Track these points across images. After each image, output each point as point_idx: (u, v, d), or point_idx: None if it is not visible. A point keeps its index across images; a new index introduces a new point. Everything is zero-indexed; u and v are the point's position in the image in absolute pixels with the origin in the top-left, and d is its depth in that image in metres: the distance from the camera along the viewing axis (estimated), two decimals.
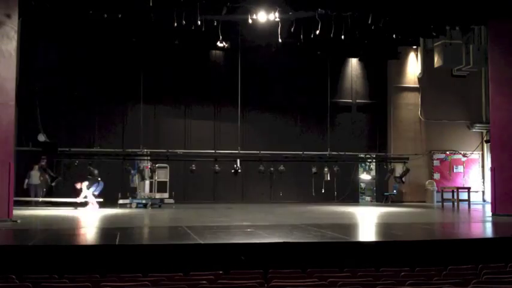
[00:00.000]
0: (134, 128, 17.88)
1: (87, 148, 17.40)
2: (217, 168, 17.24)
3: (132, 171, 17.12)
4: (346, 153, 18.81)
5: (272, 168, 17.75)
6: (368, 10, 14.36)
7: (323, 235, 9.37)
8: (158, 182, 16.92)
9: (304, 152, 18.40)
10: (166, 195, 17.00)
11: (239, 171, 17.38)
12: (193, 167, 17.22)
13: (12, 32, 11.95)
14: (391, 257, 7.85)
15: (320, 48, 17.38)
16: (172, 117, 19.43)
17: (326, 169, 18.08)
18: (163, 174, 17.02)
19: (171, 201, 17.06)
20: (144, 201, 16.44)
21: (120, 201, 16.29)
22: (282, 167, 17.78)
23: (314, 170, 17.99)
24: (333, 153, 18.58)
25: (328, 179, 18.18)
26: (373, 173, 20.97)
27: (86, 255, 7.54)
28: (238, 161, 17.41)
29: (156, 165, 17.02)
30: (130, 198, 16.36)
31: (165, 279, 5.76)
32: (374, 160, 19.90)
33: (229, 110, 19.07)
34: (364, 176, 20.33)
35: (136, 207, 16.05)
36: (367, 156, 19.93)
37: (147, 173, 16.73)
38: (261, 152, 18.00)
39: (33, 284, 5.27)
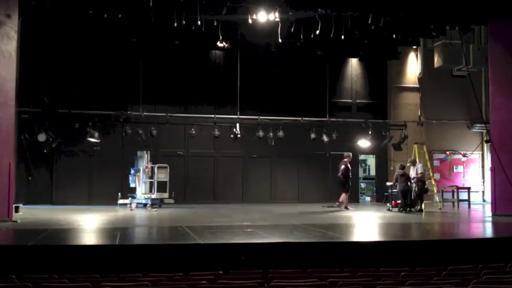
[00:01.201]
0: (135, 127, 17.83)
1: (86, 110, 16.96)
2: (216, 133, 17.25)
3: (132, 171, 17.13)
4: (346, 119, 18.94)
5: (271, 134, 17.67)
6: (368, 10, 14.37)
7: (323, 235, 9.38)
8: (158, 182, 16.89)
9: (303, 118, 18.46)
10: (166, 195, 16.96)
11: (238, 136, 17.43)
12: (193, 131, 17.23)
13: (12, 32, 11.96)
14: (391, 257, 7.85)
15: (320, 48, 17.33)
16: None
17: (325, 136, 18.09)
18: (163, 174, 16.98)
19: (171, 201, 17.03)
20: (144, 201, 16.45)
21: (120, 201, 16.29)
22: (281, 133, 17.71)
23: (313, 136, 17.96)
24: (332, 119, 18.65)
25: (327, 140, 18.07)
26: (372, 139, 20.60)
27: (86, 255, 7.55)
28: (237, 125, 17.47)
29: (156, 166, 16.99)
30: (130, 198, 16.35)
31: (165, 279, 5.76)
32: (371, 127, 19.34)
33: (229, 110, 19.03)
34: (363, 143, 19.67)
35: (136, 207, 16.04)
36: (367, 121, 19.55)
37: (147, 173, 16.78)
38: (260, 117, 18.07)
39: (33, 284, 5.28)
